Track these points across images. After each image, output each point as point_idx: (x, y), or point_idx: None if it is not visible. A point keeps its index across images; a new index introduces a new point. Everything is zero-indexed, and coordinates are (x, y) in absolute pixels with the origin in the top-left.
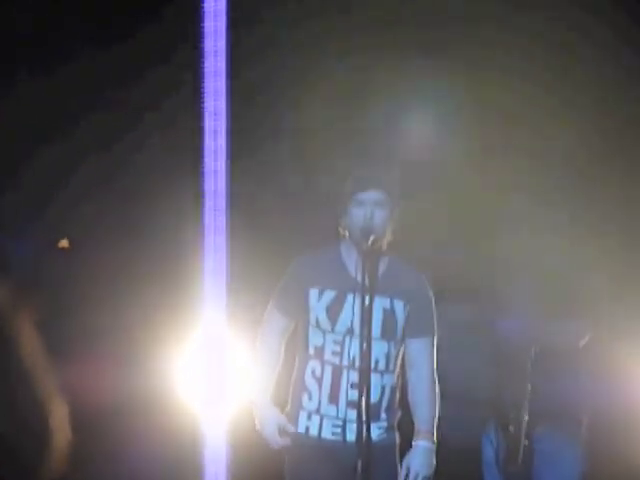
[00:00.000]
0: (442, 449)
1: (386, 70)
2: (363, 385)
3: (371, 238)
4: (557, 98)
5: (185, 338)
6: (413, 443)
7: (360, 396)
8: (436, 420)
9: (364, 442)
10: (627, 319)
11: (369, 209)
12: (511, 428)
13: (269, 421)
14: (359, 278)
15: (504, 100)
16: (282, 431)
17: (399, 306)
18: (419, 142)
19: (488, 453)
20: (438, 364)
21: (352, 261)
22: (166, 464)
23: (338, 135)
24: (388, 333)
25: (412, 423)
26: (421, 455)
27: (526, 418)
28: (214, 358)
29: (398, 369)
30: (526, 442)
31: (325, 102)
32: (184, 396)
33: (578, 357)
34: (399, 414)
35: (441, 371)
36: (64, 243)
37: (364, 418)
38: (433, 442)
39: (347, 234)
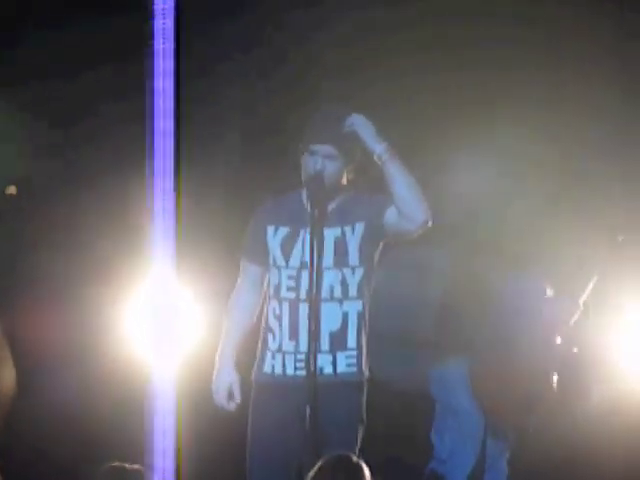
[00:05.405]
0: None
1: None
2: (312, 316)
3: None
4: None
5: (134, 286)
6: None
7: (309, 328)
8: None
9: (312, 374)
10: None
11: (319, 160)
12: None
13: (221, 383)
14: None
15: None
16: (230, 395)
17: (348, 231)
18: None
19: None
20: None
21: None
22: (114, 410)
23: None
24: (340, 260)
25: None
26: None
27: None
28: (162, 306)
29: (368, 294)
30: None
31: None
32: (133, 344)
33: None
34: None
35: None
36: (12, 190)
37: (313, 349)
38: None
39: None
